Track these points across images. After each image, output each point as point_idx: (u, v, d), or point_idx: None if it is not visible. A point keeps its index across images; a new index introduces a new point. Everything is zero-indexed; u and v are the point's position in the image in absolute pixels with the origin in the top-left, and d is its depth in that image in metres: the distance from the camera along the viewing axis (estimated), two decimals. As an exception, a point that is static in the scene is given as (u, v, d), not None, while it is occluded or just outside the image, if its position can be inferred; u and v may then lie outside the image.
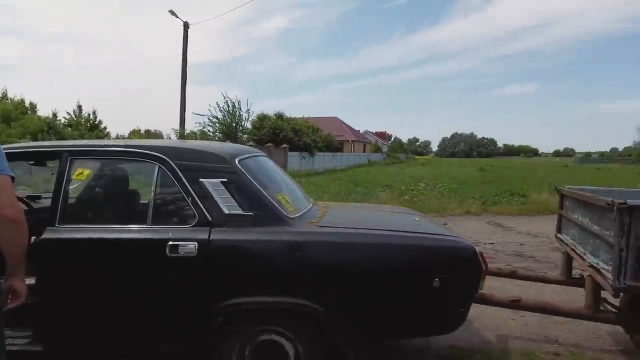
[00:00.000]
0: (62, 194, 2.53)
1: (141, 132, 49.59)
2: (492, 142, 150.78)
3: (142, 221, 2.53)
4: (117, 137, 27.18)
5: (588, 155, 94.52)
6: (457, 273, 2.38)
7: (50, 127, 19.05)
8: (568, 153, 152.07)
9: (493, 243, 7.31)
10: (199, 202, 2.48)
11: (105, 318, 2.48)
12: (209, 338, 2.43)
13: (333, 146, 39.11)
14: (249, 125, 27.51)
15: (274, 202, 2.55)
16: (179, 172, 2.53)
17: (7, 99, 25.70)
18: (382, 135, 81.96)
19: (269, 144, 24.71)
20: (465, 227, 8.87)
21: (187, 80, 19.11)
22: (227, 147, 2.90)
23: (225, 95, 25.76)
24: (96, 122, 27.12)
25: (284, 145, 26.21)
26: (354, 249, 2.42)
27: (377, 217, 3.23)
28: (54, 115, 24.45)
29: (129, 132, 39.85)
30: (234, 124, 25.91)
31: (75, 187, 2.72)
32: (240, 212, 2.47)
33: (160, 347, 2.52)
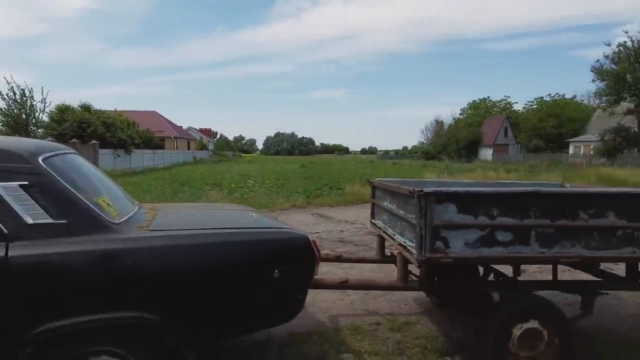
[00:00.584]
0: None
1: None
2: (311, 141, 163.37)
3: None
4: None
5: (387, 152, 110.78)
6: (295, 262, 2.50)
7: None
8: (372, 151, 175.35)
9: (318, 232, 7.93)
10: None
11: None
12: None
13: (153, 143, 36.30)
14: (45, 117, 23.26)
15: (92, 206, 2.22)
16: None
17: None
18: (208, 132, 79.98)
19: (74, 140, 21.39)
20: (293, 219, 9.38)
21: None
22: (27, 142, 2.38)
23: (10, 81, 21.08)
24: None
25: (94, 141, 23.09)
26: (191, 251, 2.29)
27: (213, 216, 3.14)
28: None
29: None
30: (23, 116, 21.51)
31: None
32: (49, 220, 2.09)
33: None
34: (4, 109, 21.04)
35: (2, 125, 21.26)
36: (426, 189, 2.67)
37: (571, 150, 46.03)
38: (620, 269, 3.42)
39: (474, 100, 70.09)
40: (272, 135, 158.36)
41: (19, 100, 21.30)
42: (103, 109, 28.79)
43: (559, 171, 21.72)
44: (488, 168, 24.25)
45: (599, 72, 30.60)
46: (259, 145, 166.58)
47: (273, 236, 2.54)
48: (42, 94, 22.23)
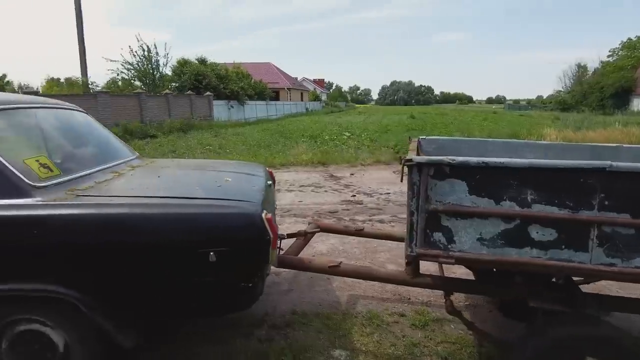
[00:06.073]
0: None
1: (61, 80, 43.02)
2: (430, 89, 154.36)
3: None
4: (21, 88, 24.01)
5: (517, 102, 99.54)
6: (237, 244, 2.00)
7: None
8: (499, 100, 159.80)
9: (389, 193, 7.19)
10: None
11: None
12: None
13: (267, 94, 37.61)
14: (169, 71, 25.45)
15: (10, 167, 1.99)
16: None
17: None
18: (321, 83, 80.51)
19: (190, 92, 23.09)
20: (371, 177, 8.75)
21: (83, 20, 16.82)
22: None
23: (139, 38, 23.40)
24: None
25: (208, 93, 24.67)
26: (104, 223, 1.95)
27: (176, 180, 2.74)
28: None
29: (43, 81, 34.64)
30: (151, 70, 23.79)
31: None
32: None
33: None
34: (134, 64, 23.50)
35: (134, 79, 23.81)
36: (418, 158, 1.87)
37: None
38: None
39: (629, 39, 56.54)
40: (388, 84, 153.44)
41: (146, 57, 23.53)
42: (223, 62, 30.47)
43: None
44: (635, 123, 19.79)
45: None
46: (374, 95, 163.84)
47: (208, 211, 2.03)
48: (164, 49, 24.13)
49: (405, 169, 1.93)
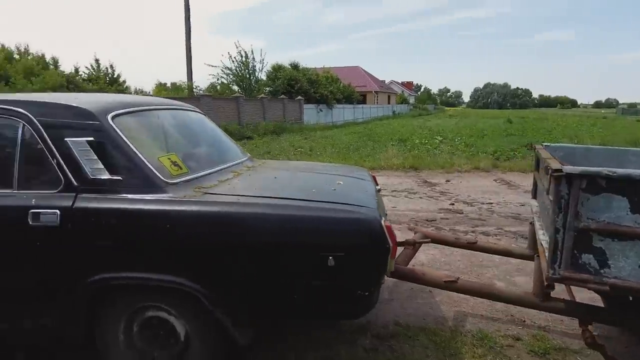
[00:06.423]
0: None
1: (167, 85, 47.08)
2: (527, 92, 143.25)
3: (7, 185, 2.20)
4: (137, 92, 26.92)
5: (632, 106, 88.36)
6: (357, 251, 1.94)
7: (70, 82, 18.88)
8: (610, 104, 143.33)
9: (491, 203, 6.70)
10: (63, 164, 2.14)
11: None
12: (80, 315, 2.15)
13: (354, 97, 37.74)
14: (263, 76, 26.72)
15: (147, 164, 2.14)
16: (43, 130, 2.18)
17: (28, 55, 25.41)
18: (409, 86, 78.73)
19: (283, 96, 23.97)
20: (469, 185, 8.27)
21: (191, 29, 18.31)
22: (101, 100, 2.42)
23: (237, 45, 24.91)
24: (115, 76, 26.79)
25: (299, 97, 25.40)
26: (230, 221, 2.01)
27: (291, 182, 2.76)
28: (76, 70, 24.19)
29: (153, 85, 38.59)
30: (247, 75, 25.16)
31: None
32: (107, 176, 2.11)
33: (24, 324, 2.25)
34: (233, 70, 25.05)
35: (232, 84, 25.35)
36: (569, 168, 1.64)
37: None
38: None
39: None
40: (481, 86, 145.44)
41: (244, 62, 24.96)
42: (314, 66, 31.29)
43: None
44: None
45: None
46: (466, 98, 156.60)
47: (328, 214, 2.00)
48: (260, 55, 25.37)
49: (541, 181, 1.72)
